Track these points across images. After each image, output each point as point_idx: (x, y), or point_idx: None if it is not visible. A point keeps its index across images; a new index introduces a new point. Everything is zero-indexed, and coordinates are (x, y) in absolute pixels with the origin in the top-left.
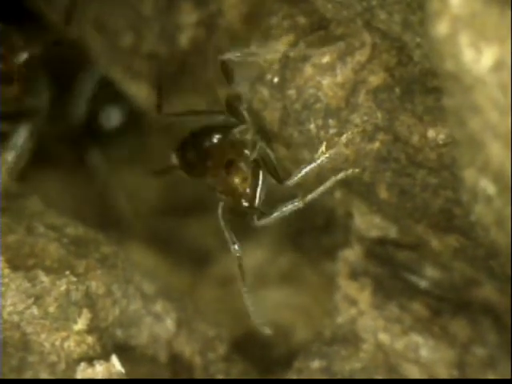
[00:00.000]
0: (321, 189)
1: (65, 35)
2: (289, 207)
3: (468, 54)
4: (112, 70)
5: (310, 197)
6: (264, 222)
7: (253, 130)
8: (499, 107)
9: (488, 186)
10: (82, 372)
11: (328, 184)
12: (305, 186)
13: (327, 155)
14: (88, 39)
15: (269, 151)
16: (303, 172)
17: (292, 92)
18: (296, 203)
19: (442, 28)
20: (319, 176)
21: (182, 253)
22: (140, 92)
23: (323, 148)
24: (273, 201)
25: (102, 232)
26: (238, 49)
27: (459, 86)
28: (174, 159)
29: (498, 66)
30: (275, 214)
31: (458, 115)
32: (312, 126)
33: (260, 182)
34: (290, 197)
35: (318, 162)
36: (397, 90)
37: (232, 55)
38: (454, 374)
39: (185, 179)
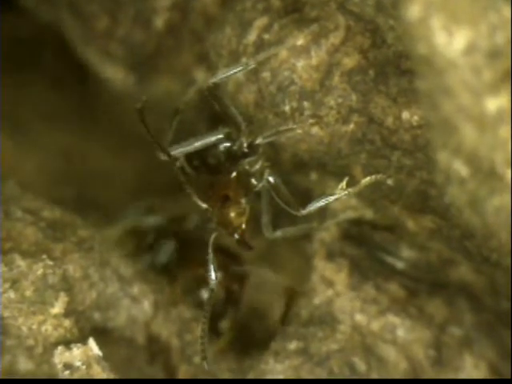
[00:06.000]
0: (331, 222)
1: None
2: (303, 228)
3: (440, 37)
4: (88, 54)
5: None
6: (276, 234)
7: (262, 158)
8: (471, 90)
9: (461, 168)
10: (60, 355)
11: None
12: None
13: (347, 192)
14: (63, 23)
15: (278, 180)
16: (320, 204)
17: (267, 74)
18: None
19: (414, 11)
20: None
21: None
22: (116, 75)
23: (344, 184)
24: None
25: (80, 215)
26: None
27: (431, 68)
28: (184, 163)
29: (470, 48)
30: (288, 231)
31: (431, 98)
32: (287, 108)
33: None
34: None
35: (337, 196)
36: (371, 72)
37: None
38: (431, 354)
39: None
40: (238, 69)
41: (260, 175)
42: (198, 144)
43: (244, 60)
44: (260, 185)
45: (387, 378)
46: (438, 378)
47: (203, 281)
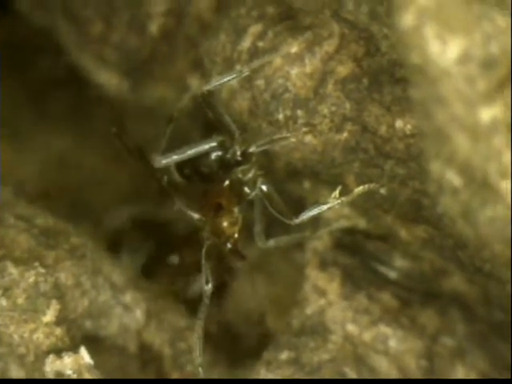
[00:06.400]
0: (324, 230)
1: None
2: (296, 237)
3: (434, 46)
4: (82, 59)
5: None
6: (268, 244)
7: (256, 166)
8: (465, 99)
9: (454, 178)
10: (51, 364)
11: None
12: None
13: (339, 201)
14: (58, 28)
15: (271, 188)
16: (312, 213)
17: (261, 82)
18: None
19: (408, 19)
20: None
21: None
22: (110, 80)
23: (336, 193)
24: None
25: (73, 222)
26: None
27: (425, 77)
28: (175, 172)
29: (464, 58)
30: (281, 240)
31: (424, 107)
32: (281, 117)
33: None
34: None
35: (329, 205)
36: (365, 80)
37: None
38: (423, 365)
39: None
40: (232, 76)
41: (253, 184)
42: (191, 152)
43: (238, 67)
44: (253, 193)
45: (385, 379)
46: None
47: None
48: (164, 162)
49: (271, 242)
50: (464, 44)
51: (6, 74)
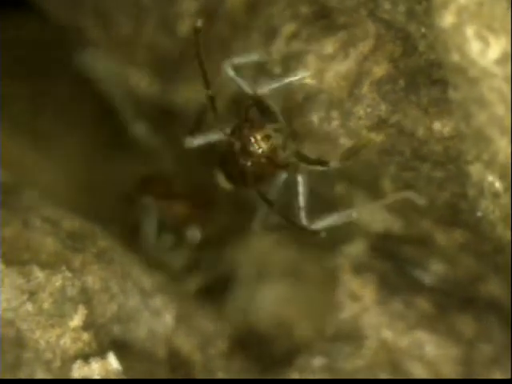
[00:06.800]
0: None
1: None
2: (342, 217)
3: (474, 46)
4: (112, 60)
5: (322, 223)
6: (316, 225)
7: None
8: (506, 101)
9: (495, 182)
10: (78, 370)
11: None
12: None
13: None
14: (88, 28)
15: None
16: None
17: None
18: (352, 214)
19: (447, 18)
20: None
21: None
22: (141, 82)
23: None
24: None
25: (100, 225)
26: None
27: (465, 78)
28: (219, 176)
29: (505, 58)
30: (326, 221)
31: (464, 108)
32: (315, 118)
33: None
34: None
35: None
36: (401, 81)
37: (236, 61)
38: (460, 372)
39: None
40: (291, 79)
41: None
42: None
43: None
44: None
45: (386, 378)
46: None
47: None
48: (195, 142)
49: (318, 224)
50: (505, 44)
51: (30, 74)
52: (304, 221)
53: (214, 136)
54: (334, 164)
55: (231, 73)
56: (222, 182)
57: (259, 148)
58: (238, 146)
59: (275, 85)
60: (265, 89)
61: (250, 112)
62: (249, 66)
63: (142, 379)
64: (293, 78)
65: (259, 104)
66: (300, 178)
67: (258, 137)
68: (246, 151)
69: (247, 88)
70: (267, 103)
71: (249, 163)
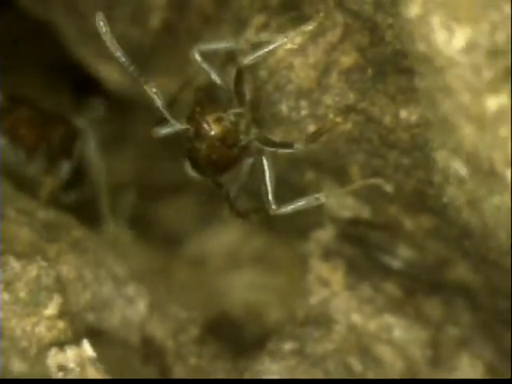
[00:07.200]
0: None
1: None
2: (309, 201)
3: (439, 35)
4: (83, 53)
5: (290, 207)
6: (282, 209)
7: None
8: (471, 88)
9: (460, 168)
10: (54, 357)
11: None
12: None
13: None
14: (59, 22)
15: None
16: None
17: (264, 73)
18: (319, 199)
19: (413, 9)
20: None
21: (155, 235)
22: (111, 74)
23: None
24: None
25: (76, 214)
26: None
27: (431, 67)
28: (186, 165)
29: (470, 47)
30: (292, 206)
31: (430, 97)
32: (284, 107)
33: None
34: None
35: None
36: (369, 70)
37: (204, 48)
38: (428, 354)
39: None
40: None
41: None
42: None
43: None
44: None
45: (387, 378)
46: (435, 377)
47: None
48: (162, 132)
49: (285, 208)
50: (470, 33)
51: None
52: (271, 203)
53: (179, 125)
54: (299, 146)
55: (199, 59)
56: (189, 171)
57: (211, 130)
58: (192, 131)
59: (259, 53)
60: (251, 60)
61: (206, 97)
62: (218, 55)
63: (137, 379)
64: (274, 45)
65: (222, 90)
66: (265, 162)
67: (210, 119)
68: (199, 135)
69: (214, 74)
70: (229, 89)
71: (203, 147)
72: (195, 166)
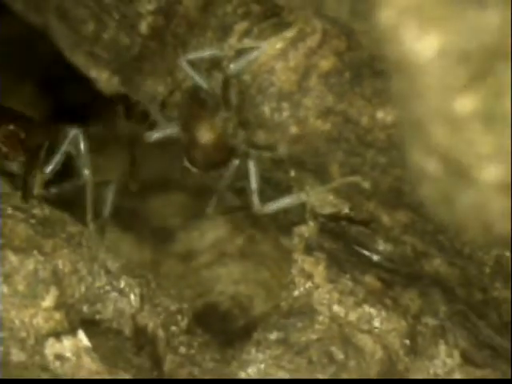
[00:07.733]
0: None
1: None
2: (292, 200)
3: (412, 42)
4: (74, 57)
5: (274, 206)
6: (266, 209)
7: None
8: (441, 92)
9: (433, 167)
10: (51, 347)
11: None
12: None
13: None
14: (51, 27)
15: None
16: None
17: (247, 77)
18: (301, 197)
19: (387, 16)
20: None
21: (144, 230)
22: (100, 76)
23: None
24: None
25: (67, 211)
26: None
27: (403, 71)
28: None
29: (442, 52)
30: (277, 205)
31: (403, 100)
32: (266, 109)
33: None
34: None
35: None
36: (346, 74)
37: (191, 56)
38: (406, 344)
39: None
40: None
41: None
42: None
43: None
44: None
45: (388, 378)
46: (413, 365)
47: None
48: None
49: (269, 207)
50: (444, 38)
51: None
52: (256, 203)
53: (170, 130)
54: (282, 150)
55: (187, 67)
56: (188, 164)
57: (202, 138)
58: (185, 136)
59: (244, 61)
60: (238, 66)
61: (195, 102)
62: (204, 62)
63: (142, 379)
64: (258, 53)
65: (210, 96)
66: (251, 164)
67: (200, 126)
68: (190, 141)
69: (202, 82)
70: (216, 95)
71: (195, 150)
72: (191, 161)
